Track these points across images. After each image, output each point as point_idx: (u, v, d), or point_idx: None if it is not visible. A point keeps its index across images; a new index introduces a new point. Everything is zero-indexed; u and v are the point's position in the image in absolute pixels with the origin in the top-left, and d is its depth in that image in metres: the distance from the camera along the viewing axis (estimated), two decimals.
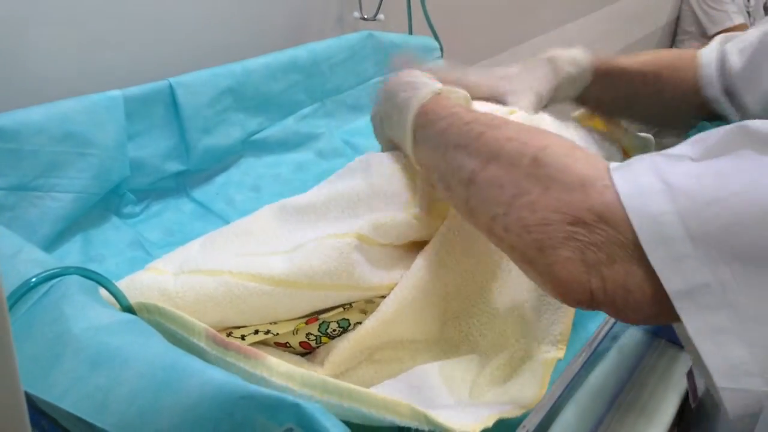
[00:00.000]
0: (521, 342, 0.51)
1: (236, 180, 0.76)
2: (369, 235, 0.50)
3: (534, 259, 0.39)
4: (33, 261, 0.39)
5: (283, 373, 0.36)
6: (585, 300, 0.37)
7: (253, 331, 0.49)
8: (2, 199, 0.57)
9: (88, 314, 0.35)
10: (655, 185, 0.36)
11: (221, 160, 0.76)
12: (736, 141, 0.37)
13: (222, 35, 0.82)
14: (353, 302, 0.51)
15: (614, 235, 0.36)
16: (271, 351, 0.51)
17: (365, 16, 1.01)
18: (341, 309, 0.51)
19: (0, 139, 0.56)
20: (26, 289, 0.36)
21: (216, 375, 0.32)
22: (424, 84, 0.55)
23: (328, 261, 0.48)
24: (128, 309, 0.41)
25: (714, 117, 0.74)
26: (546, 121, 0.67)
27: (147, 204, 0.69)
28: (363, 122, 0.88)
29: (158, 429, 0.31)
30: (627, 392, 0.61)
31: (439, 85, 0.54)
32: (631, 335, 0.62)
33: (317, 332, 0.51)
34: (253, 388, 0.31)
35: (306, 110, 0.83)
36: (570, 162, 0.40)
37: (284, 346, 0.51)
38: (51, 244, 0.60)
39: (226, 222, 0.68)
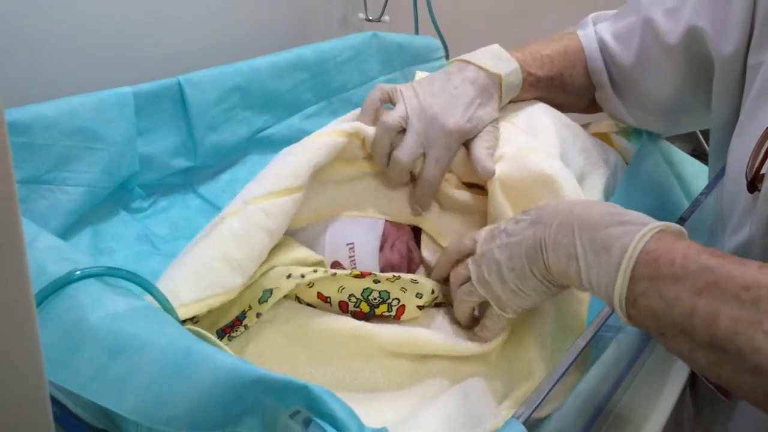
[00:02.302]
0: (542, 368, 0.52)
1: (242, 177, 0.77)
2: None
3: None
4: (50, 249, 0.41)
5: None
6: None
7: (311, 269, 0.52)
8: None
9: (104, 302, 0.37)
10: None
11: (227, 157, 0.77)
12: None
13: (229, 35, 0.84)
14: (400, 275, 0.54)
15: None
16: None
17: (370, 18, 1.02)
18: (390, 277, 0.54)
19: (13, 133, 0.58)
20: (66, 282, 0.37)
21: (227, 360, 0.33)
22: (637, 218, 0.44)
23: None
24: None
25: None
26: (580, 134, 0.69)
27: (155, 199, 0.71)
28: None
29: (173, 413, 0.32)
30: (624, 388, 0.62)
31: (656, 223, 0.43)
32: (628, 334, 0.63)
33: (359, 296, 0.54)
34: (263, 371, 0.32)
35: (312, 108, 0.85)
36: None
37: (324, 299, 0.54)
38: (61, 236, 0.61)
39: None
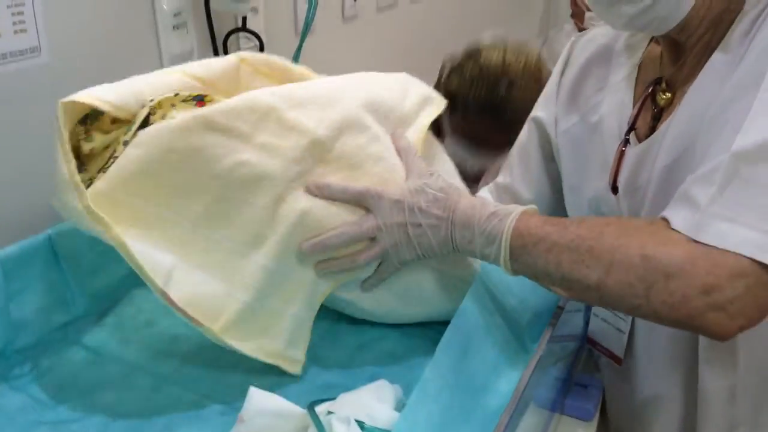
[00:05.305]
0: None
1: (130, 315, 0.75)
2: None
3: (688, 325, 0.56)
4: None
5: None
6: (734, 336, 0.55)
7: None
8: None
9: None
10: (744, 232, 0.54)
11: (111, 299, 0.75)
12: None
13: None
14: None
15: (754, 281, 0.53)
16: None
17: None
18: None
19: None
20: None
21: None
22: (505, 209, 0.63)
23: None
24: None
25: None
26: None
27: (35, 362, 0.67)
28: None
29: None
30: None
31: (521, 208, 0.63)
32: (531, 412, 0.65)
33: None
34: None
35: None
36: (664, 248, 0.56)
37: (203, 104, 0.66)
38: None
39: (125, 362, 0.67)
